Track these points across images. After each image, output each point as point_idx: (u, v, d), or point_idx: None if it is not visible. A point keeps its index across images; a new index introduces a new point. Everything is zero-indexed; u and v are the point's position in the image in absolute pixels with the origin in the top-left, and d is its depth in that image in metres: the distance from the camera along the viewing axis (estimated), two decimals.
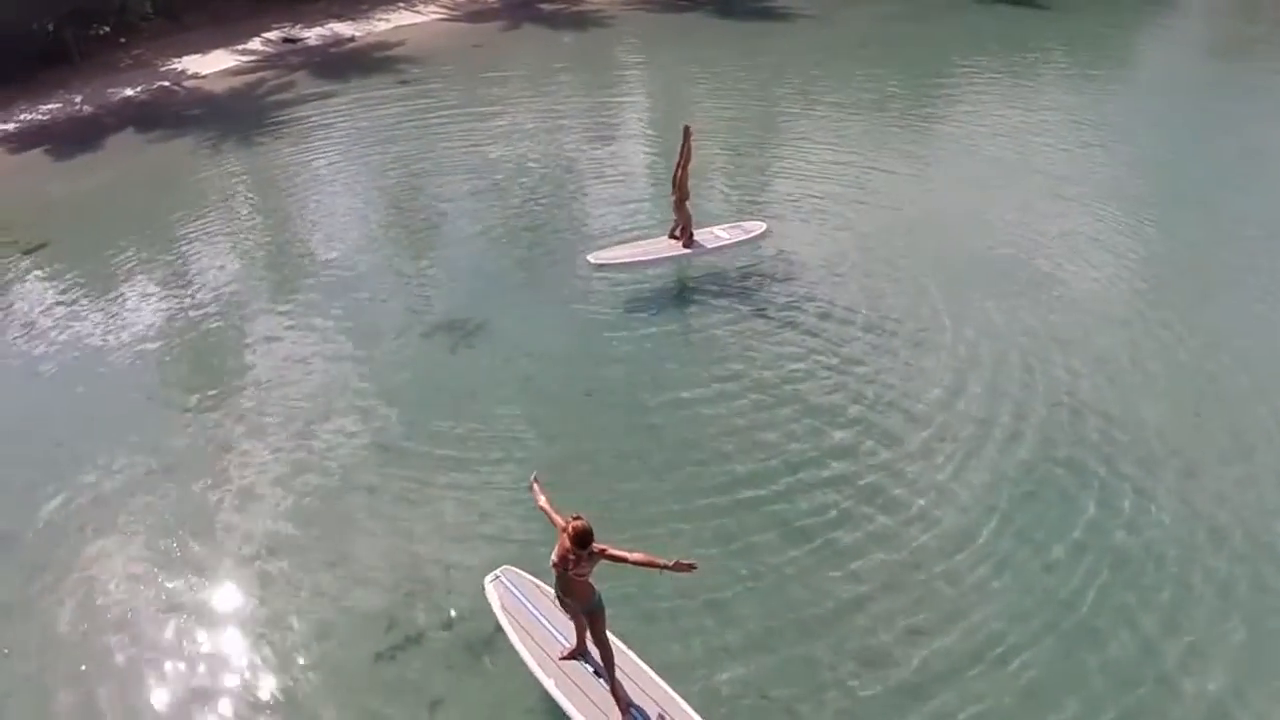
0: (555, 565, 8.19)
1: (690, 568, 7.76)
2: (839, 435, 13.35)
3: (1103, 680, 9.68)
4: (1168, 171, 21.57)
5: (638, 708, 8.61)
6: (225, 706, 9.95)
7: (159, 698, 10.14)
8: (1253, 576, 10.82)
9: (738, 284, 17.43)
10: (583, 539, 7.85)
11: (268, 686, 10.13)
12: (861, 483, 12.44)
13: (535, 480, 9.03)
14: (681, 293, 17.59)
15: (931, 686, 9.69)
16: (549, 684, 8.96)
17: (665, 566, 7.74)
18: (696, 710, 8.62)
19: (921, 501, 12.09)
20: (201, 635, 10.84)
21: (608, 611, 8.57)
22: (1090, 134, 23.83)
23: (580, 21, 37.72)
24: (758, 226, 18.05)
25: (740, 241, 17.73)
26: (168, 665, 10.49)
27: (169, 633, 10.89)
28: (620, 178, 22.54)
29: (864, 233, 18.99)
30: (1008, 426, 13.40)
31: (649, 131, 25.70)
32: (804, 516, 11.89)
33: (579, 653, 9.14)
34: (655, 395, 14.39)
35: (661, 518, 11.94)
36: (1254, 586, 10.70)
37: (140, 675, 10.39)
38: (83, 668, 10.53)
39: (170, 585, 11.55)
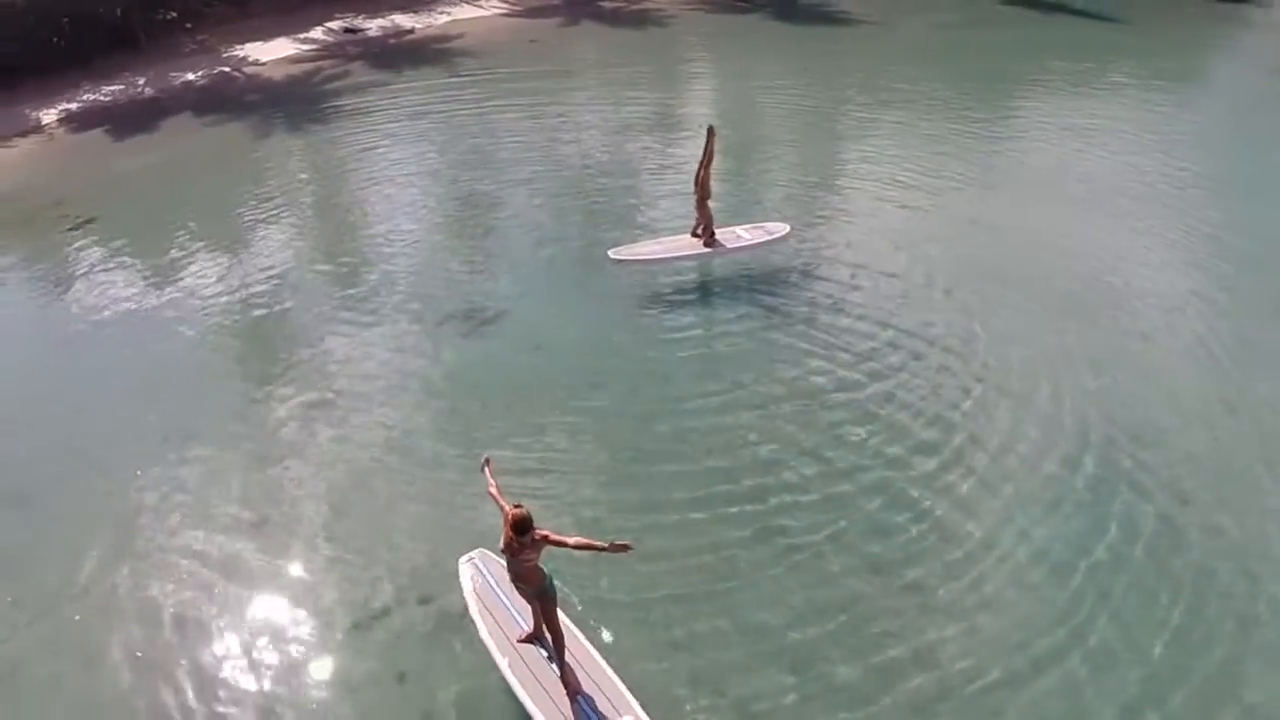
0: (503, 550, 8.35)
1: (626, 548, 7.99)
2: (847, 445, 13.14)
3: (1102, 705, 9.46)
4: (1226, 190, 20.83)
5: (585, 695, 8.71)
6: (201, 662, 10.41)
7: (143, 646, 10.63)
8: (1274, 610, 10.42)
9: (756, 285, 17.33)
10: (520, 526, 8.03)
11: (246, 645, 10.58)
12: (869, 493, 12.24)
13: (487, 464, 9.25)
14: (699, 292, 17.63)
15: (934, 706, 9.53)
16: (503, 664, 9.12)
17: (602, 548, 7.98)
18: (639, 701, 8.72)
19: (938, 513, 11.86)
20: (186, 595, 11.29)
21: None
22: (1145, 148, 23.14)
23: (639, 20, 37.69)
24: (781, 228, 17.92)
25: (762, 242, 17.64)
26: (156, 618, 10.99)
27: (160, 589, 11.39)
28: (655, 175, 22.55)
29: (897, 239, 18.70)
30: (1033, 441, 13.09)
31: (689, 130, 25.53)
32: (802, 525, 11.75)
33: (535, 636, 9.28)
34: (660, 392, 14.40)
35: (650, 514, 11.97)
36: (1275, 617, 10.33)
37: (131, 624, 10.92)
38: (77, 617, 11.06)
39: (165, 545, 12.08)
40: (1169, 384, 14.30)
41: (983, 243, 18.64)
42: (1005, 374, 14.52)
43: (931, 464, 12.73)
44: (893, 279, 17.22)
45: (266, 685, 10.10)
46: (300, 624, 10.81)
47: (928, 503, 12.04)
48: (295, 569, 11.58)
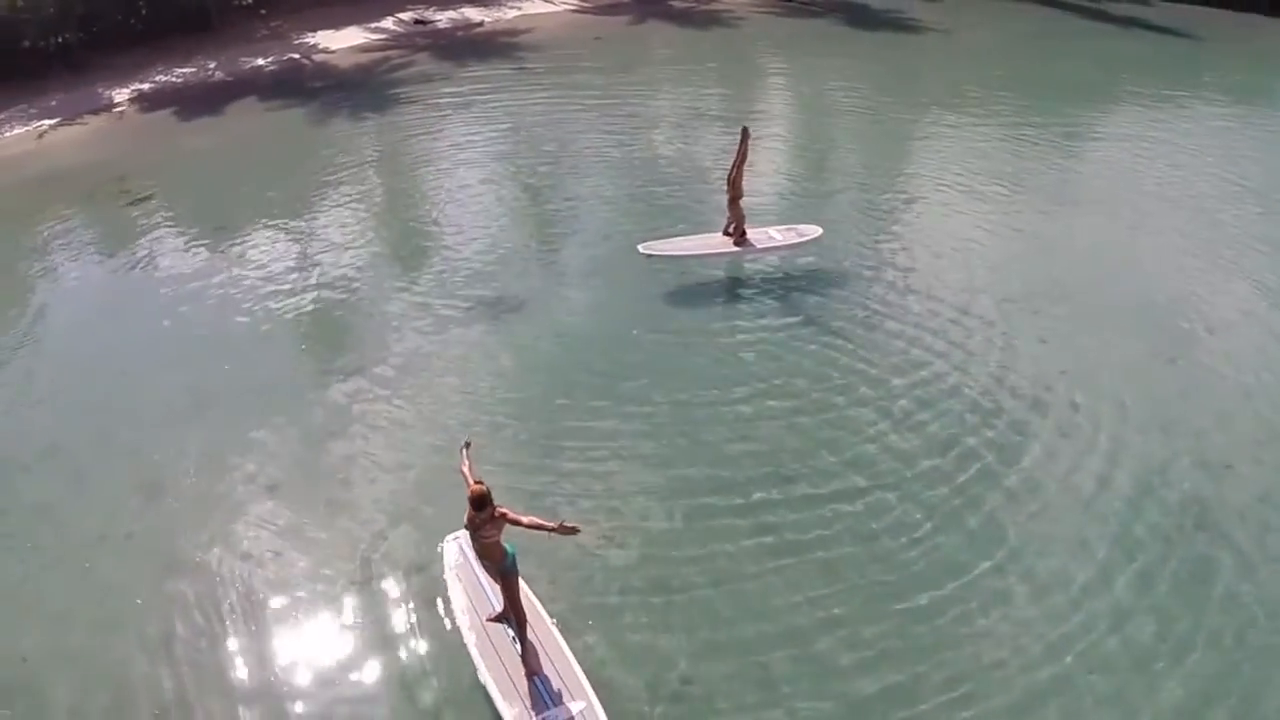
0: (466, 527, 8.58)
1: (574, 530, 8.29)
2: (868, 457, 12.84)
3: None
4: None
5: (543, 677, 8.87)
6: (198, 613, 10.83)
7: (145, 594, 11.10)
8: None
9: (785, 287, 17.22)
10: (477, 502, 8.30)
11: (242, 600, 11.00)
12: (886, 509, 11.89)
13: (466, 446, 9.45)
14: (724, 291, 17.57)
15: None
16: (470, 641, 9.36)
17: (552, 529, 8.23)
18: (599, 689, 8.86)
19: (956, 532, 11.51)
20: (194, 549, 11.72)
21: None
22: (1208, 164, 22.29)
23: (706, 20, 37.65)
24: (814, 230, 17.75)
25: (793, 244, 17.53)
26: (162, 568, 11.46)
27: (170, 543, 11.84)
28: (699, 172, 22.42)
29: (938, 247, 18.40)
30: (1065, 461, 12.67)
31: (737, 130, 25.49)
32: (812, 538, 11.53)
33: (504, 616, 9.41)
34: (676, 392, 14.29)
35: (656, 516, 11.95)
36: None
37: (138, 573, 11.38)
38: (86, 565, 11.58)
39: (181, 503, 12.54)
40: (1215, 406, 13.78)
41: (1032, 255, 18.20)
42: (1041, 390, 14.10)
43: (959, 479, 12.35)
44: (930, 288, 16.90)
45: (250, 638, 10.49)
46: (293, 584, 11.16)
47: (948, 521, 11.70)
48: (297, 534, 11.90)
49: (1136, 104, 27.54)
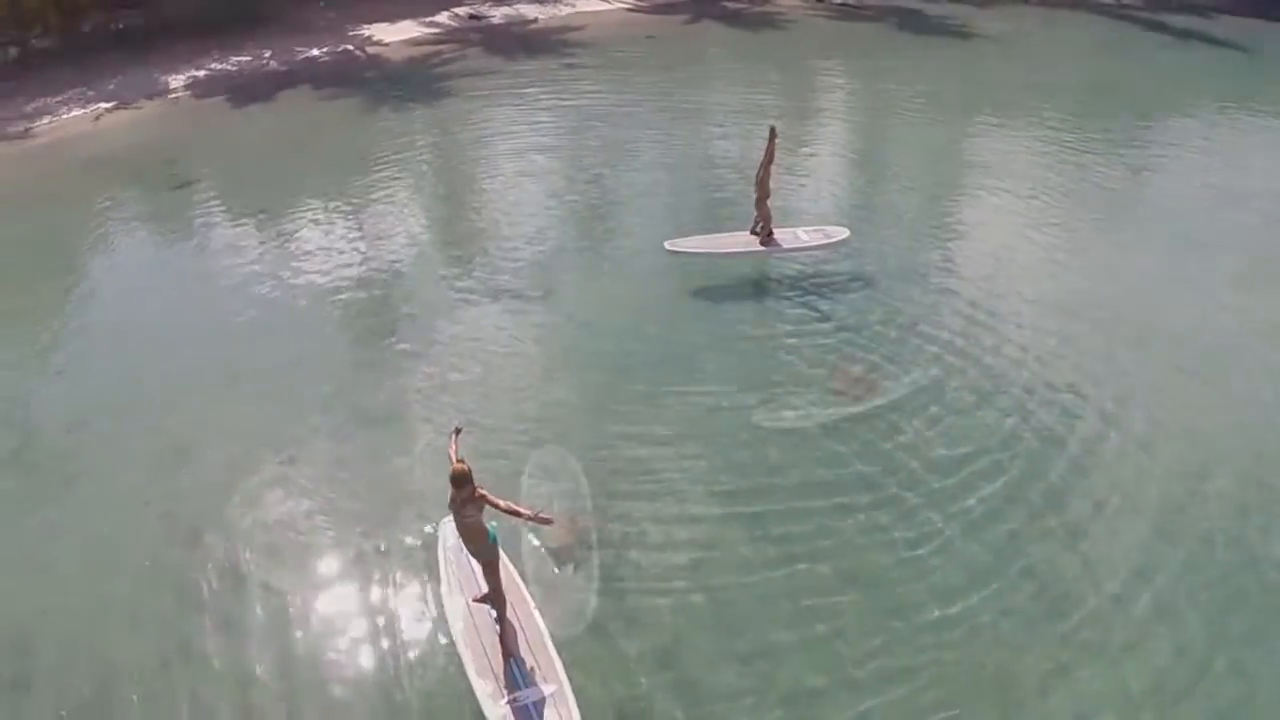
0: (449, 506, 8.72)
1: (548, 521, 8.54)
2: (875, 467, 12.60)
3: None
4: None
5: (519, 659, 8.97)
6: (205, 579, 11.18)
7: (155, 557, 11.51)
8: None
9: (808, 288, 17.10)
10: (457, 480, 8.42)
11: (247, 568, 11.33)
12: (900, 522, 11.65)
13: (456, 433, 9.58)
14: (748, 290, 17.45)
15: None
16: (453, 619, 9.52)
17: (526, 516, 8.47)
18: (567, 671, 8.92)
19: (964, 551, 11.26)
20: (206, 518, 12.07)
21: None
22: (1269, 191, 21.30)
23: (759, 22, 37.60)
24: (840, 232, 17.63)
25: (820, 245, 17.42)
26: (173, 535, 11.87)
27: (182, 510, 12.24)
28: (734, 171, 22.22)
29: (971, 256, 18.18)
30: (1087, 485, 12.27)
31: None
32: (802, 534, 11.46)
33: (489, 598, 9.45)
34: (686, 386, 14.27)
35: (648, 506, 11.96)
36: None
37: (150, 538, 11.79)
38: (104, 529, 11.99)
39: (197, 474, 12.90)
40: (1253, 427, 13.27)
41: (1070, 266, 17.75)
42: (1073, 404, 13.74)
43: (983, 490, 12.10)
44: (964, 294, 16.67)
45: (242, 605, 10.82)
46: (292, 558, 11.45)
47: (968, 532, 11.46)
48: (302, 510, 12.19)
49: (1189, 116, 27.02)
